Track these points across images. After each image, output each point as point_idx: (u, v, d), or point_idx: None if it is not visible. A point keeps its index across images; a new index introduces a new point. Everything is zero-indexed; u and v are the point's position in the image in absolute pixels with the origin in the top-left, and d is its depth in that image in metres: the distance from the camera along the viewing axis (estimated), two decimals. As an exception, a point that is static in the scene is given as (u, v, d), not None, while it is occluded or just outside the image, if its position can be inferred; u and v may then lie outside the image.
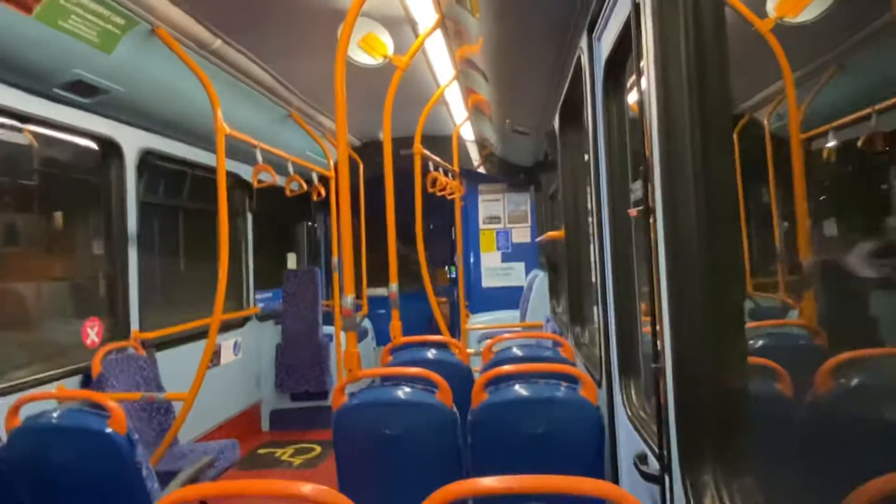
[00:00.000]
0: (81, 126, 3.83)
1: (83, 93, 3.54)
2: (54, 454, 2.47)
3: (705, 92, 1.42)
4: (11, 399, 2.84)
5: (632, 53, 1.72)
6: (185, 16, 3.52)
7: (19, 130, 3.61)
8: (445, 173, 6.10)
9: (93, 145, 4.10)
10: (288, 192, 5.32)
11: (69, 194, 4.27)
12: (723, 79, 1.42)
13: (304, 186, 5.30)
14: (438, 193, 5.74)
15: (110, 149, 4.16)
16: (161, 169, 4.93)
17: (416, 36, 3.89)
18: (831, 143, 1.27)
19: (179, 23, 3.51)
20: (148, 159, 4.55)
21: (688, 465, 1.40)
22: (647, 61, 1.56)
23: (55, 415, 2.60)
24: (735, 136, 1.51)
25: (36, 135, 3.72)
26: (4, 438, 2.58)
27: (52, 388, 3.50)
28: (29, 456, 2.52)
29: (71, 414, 2.60)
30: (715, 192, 1.40)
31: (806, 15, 1.32)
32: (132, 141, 4.30)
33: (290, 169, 5.15)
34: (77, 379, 3.74)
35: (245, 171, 5.70)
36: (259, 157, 4.54)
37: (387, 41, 3.79)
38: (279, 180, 5.34)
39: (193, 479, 3.01)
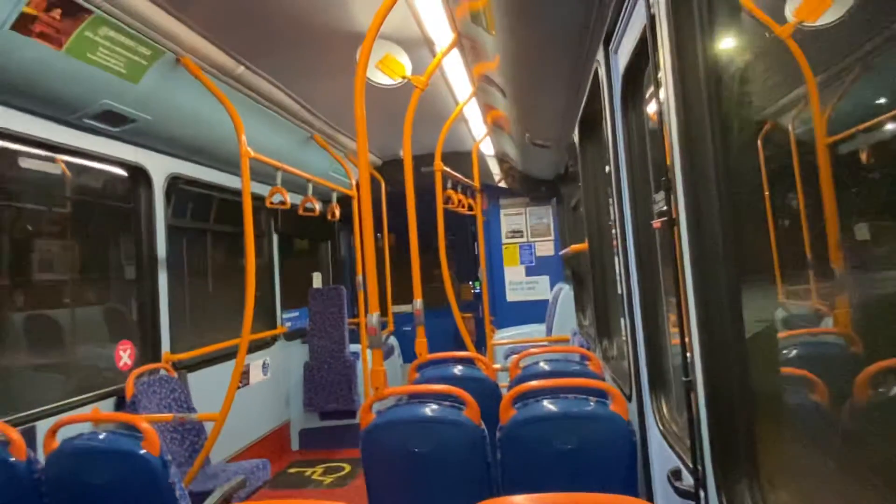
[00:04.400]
0: (111, 154, 3.95)
1: (112, 122, 3.65)
2: (91, 475, 2.52)
3: (725, 99, 1.41)
4: (49, 422, 2.91)
5: (649, 64, 1.72)
6: (209, 44, 3.62)
7: (52, 160, 3.73)
8: (465, 189, 6.11)
9: (122, 172, 4.22)
10: (301, 211, 5.38)
11: (100, 220, 4.39)
12: (742, 85, 1.41)
13: (317, 210, 5.34)
14: (451, 209, 5.75)
15: (139, 175, 4.27)
16: (188, 193, 5.04)
17: (434, 55, 3.93)
18: (861, 146, 1.24)
19: (203, 51, 3.61)
20: (175, 184, 4.66)
21: (723, 479, 1.37)
22: (665, 71, 1.55)
23: (90, 437, 2.65)
24: (759, 143, 1.49)
25: (68, 164, 3.84)
26: (43, 461, 2.64)
27: (87, 410, 3.57)
28: (66, 477, 2.57)
29: (106, 436, 2.65)
30: (740, 200, 1.39)
31: (826, 18, 1.31)
32: (160, 167, 4.41)
33: (310, 190, 5.22)
34: (111, 401, 3.81)
35: (271, 194, 5.80)
36: (279, 180, 4.61)
37: (405, 62, 3.84)
38: (299, 201, 5.42)
39: (226, 500, 3.03)
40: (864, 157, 1.24)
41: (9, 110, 3.19)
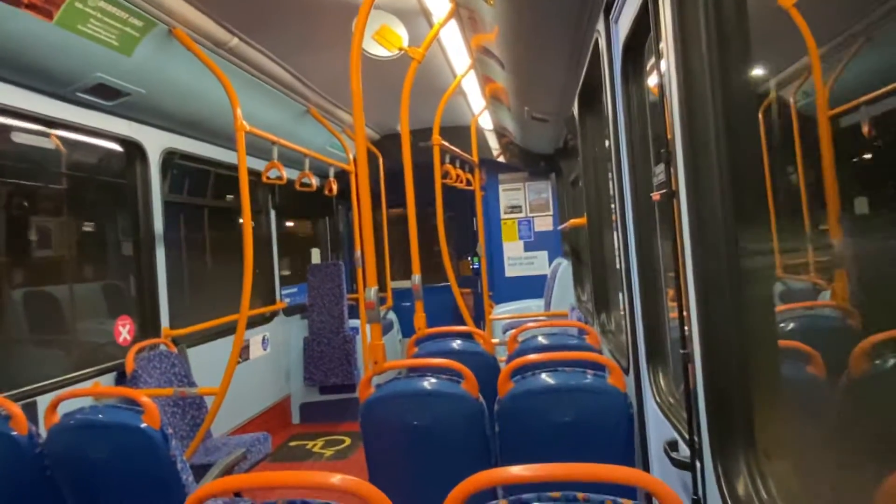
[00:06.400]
0: (105, 129, 3.90)
1: (105, 96, 3.60)
2: (92, 449, 2.54)
3: (727, 70, 1.38)
4: (50, 397, 2.93)
5: (650, 35, 1.69)
6: (202, 15, 3.55)
7: (47, 135, 3.69)
8: (463, 164, 6.08)
9: (117, 147, 4.18)
10: (297, 186, 5.36)
11: (97, 196, 4.36)
12: (745, 56, 1.38)
13: (314, 185, 5.32)
14: (449, 184, 5.72)
15: (134, 150, 4.23)
16: (185, 169, 5.00)
17: (431, 26, 3.86)
18: (863, 118, 1.23)
19: (196, 23, 3.54)
20: (171, 159, 4.62)
21: (719, 450, 1.38)
22: (667, 42, 1.52)
23: (91, 411, 2.67)
24: (760, 115, 1.47)
25: (63, 139, 3.80)
26: (44, 435, 2.66)
27: (87, 385, 3.59)
28: (68, 451, 2.59)
29: (106, 410, 2.66)
30: (740, 173, 1.37)
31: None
32: (155, 141, 4.36)
33: (307, 165, 5.18)
34: (111, 376, 3.83)
35: (268, 169, 5.76)
36: (275, 154, 4.58)
37: (401, 33, 3.78)
38: (296, 177, 5.38)
39: (227, 472, 3.07)
40: (865, 129, 1.23)
41: (1, 84, 3.14)
